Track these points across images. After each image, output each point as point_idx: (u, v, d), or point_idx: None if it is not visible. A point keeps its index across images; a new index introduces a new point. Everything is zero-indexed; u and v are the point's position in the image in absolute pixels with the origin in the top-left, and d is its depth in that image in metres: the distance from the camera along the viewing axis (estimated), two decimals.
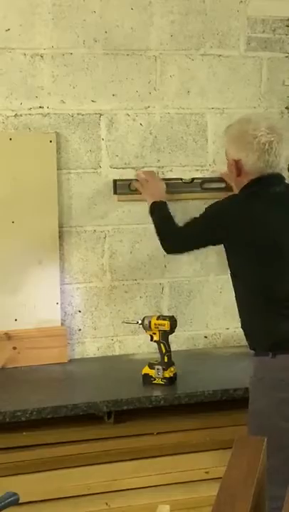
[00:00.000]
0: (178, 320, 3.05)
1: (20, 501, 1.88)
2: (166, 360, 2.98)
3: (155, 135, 3.37)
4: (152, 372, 2.97)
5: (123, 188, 3.31)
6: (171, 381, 2.97)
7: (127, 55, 3.29)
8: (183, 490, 2.93)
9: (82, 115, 3.27)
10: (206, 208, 2.75)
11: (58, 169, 3.23)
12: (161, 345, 2.99)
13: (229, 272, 2.73)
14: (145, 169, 3.33)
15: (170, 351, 3.00)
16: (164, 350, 2.98)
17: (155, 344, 3.02)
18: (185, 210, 3.43)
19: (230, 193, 2.87)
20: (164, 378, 2.96)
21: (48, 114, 3.22)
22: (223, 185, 3.26)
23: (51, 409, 2.74)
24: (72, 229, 3.30)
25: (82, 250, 3.33)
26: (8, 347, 3.19)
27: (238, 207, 2.65)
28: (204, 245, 2.86)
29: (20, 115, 3.19)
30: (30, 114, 3.20)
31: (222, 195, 3.18)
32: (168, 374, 2.96)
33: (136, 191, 3.27)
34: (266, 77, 3.48)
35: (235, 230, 2.61)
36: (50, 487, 2.79)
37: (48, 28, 3.18)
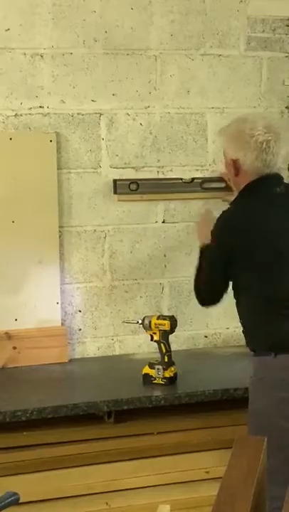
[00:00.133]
0: (178, 320, 3.05)
1: (20, 501, 1.88)
2: (166, 359, 2.98)
3: (155, 135, 3.37)
4: (152, 372, 2.97)
5: (123, 187, 3.31)
6: (172, 381, 2.97)
7: (127, 54, 3.29)
8: (183, 490, 2.93)
9: (83, 115, 3.27)
10: (211, 232, 2.71)
11: (58, 169, 3.23)
12: (162, 344, 2.99)
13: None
14: (145, 169, 3.34)
15: (170, 351, 3.00)
16: (164, 350, 2.98)
17: (155, 344, 3.02)
18: (185, 210, 3.44)
19: (229, 193, 2.86)
20: (165, 378, 2.95)
21: (48, 113, 3.22)
22: (223, 184, 3.25)
23: (51, 409, 2.74)
24: (73, 229, 3.30)
25: (83, 250, 3.33)
26: (8, 347, 3.19)
27: (239, 212, 2.64)
28: (226, 269, 2.65)
29: (21, 115, 3.19)
30: (30, 114, 3.20)
31: (222, 195, 3.20)
32: (168, 374, 2.96)
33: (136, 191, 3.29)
34: (266, 77, 3.48)
35: (242, 234, 2.60)
36: (50, 487, 2.79)
37: (48, 27, 3.18)
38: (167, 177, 3.39)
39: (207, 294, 2.74)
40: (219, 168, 3.30)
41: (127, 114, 3.32)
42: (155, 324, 2.99)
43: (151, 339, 3.02)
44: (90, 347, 3.39)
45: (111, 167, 3.32)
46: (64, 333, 3.29)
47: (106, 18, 3.24)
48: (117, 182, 3.31)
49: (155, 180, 3.38)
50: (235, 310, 2.73)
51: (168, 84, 3.36)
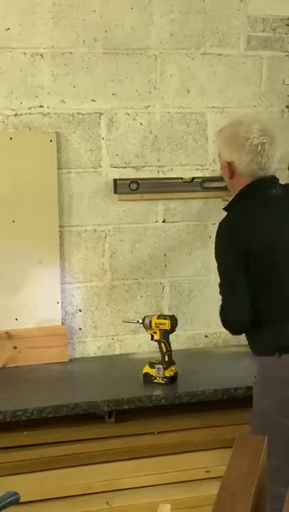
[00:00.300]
0: (178, 319, 3.04)
1: (20, 501, 1.88)
2: (166, 359, 2.98)
3: (155, 134, 3.37)
4: (153, 372, 2.97)
5: (123, 187, 3.31)
6: (172, 380, 2.97)
7: (127, 54, 3.29)
8: (183, 489, 2.93)
9: (83, 114, 3.27)
10: (215, 245, 2.67)
11: (58, 168, 3.23)
12: (162, 344, 2.99)
13: None
14: (145, 168, 3.34)
15: (171, 350, 3.00)
16: (164, 350, 2.98)
17: (156, 343, 3.02)
18: (185, 210, 3.44)
19: (230, 193, 2.85)
20: (165, 377, 2.96)
21: (48, 113, 3.22)
22: (223, 184, 3.24)
23: (52, 409, 2.74)
24: (73, 228, 3.30)
25: (83, 250, 3.33)
26: (8, 346, 3.19)
27: (237, 216, 2.63)
28: (243, 275, 2.56)
29: (21, 114, 3.19)
30: (30, 114, 3.20)
31: (222, 194, 3.20)
32: (168, 373, 2.96)
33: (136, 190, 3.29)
34: (266, 76, 3.48)
35: (243, 236, 2.59)
36: (50, 486, 2.79)
37: (48, 27, 3.18)
38: (167, 176, 3.39)
39: (233, 313, 2.60)
40: (219, 168, 3.30)
41: (127, 113, 3.32)
42: (155, 324, 2.99)
43: (152, 338, 3.02)
44: (91, 346, 3.39)
45: (111, 167, 3.32)
46: (64, 333, 3.29)
47: (106, 17, 3.24)
48: (118, 181, 3.31)
49: (155, 180, 3.38)
50: None
51: (168, 83, 3.36)
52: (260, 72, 3.47)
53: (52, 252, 3.24)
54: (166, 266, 3.45)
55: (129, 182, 3.32)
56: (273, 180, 2.66)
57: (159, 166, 3.39)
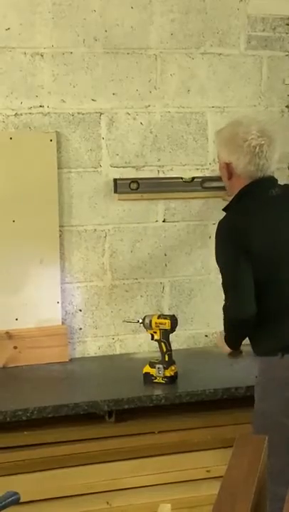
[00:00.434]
0: (178, 319, 3.05)
1: (21, 500, 1.88)
2: (166, 359, 2.98)
3: (155, 134, 3.37)
4: (153, 371, 2.97)
5: (123, 187, 3.31)
6: (172, 380, 2.97)
7: (127, 53, 3.29)
8: (184, 489, 2.93)
9: (83, 114, 3.27)
10: (215, 246, 2.66)
11: (58, 168, 3.23)
12: (162, 344, 2.99)
13: None
14: (145, 168, 3.34)
15: (171, 350, 3.00)
16: (164, 349, 2.98)
17: (156, 343, 3.02)
18: (186, 209, 3.44)
19: (227, 193, 2.85)
20: (165, 377, 2.96)
21: (49, 113, 3.22)
22: (223, 184, 3.25)
23: (52, 409, 2.74)
24: (73, 228, 3.30)
25: (83, 249, 3.33)
26: (9, 346, 3.19)
27: (237, 215, 2.63)
28: (248, 272, 2.53)
29: (21, 114, 3.19)
30: (30, 113, 3.20)
31: (222, 194, 3.19)
32: (169, 373, 2.96)
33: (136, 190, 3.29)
34: (266, 76, 3.48)
35: (243, 235, 2.58)
36: (50, 486, 2.79)
37: (48, 27, 3.18)
38: (168, 176, 3.39)
39: (240, 306, 2.56)
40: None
41: (128, 113, 3.32)
42: (156, 323, 2.99)
43: (152, 338, 3.02)
44: (91, 346, 3.39)
45: (111, 166, 3.32)
46: (64, 333, 3.29)
47: (106, 17, 3.24)
48: (118, 181, 3.31)
49: (155, 180, 3.38)
50: None
51: (168, 83, 3.36)
52: (260, 72, 3.47)
53: (52, 251, 3.24)
54: (166, 266, 3.45)
55: (129, 182, 3.32)
56: (272, 180, 2.66)
57: (159, 166, 3.39)
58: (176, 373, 2.99)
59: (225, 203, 2.76)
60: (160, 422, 2.90)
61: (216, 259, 2.64)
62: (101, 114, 3.29)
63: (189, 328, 3.49)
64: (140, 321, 3.03)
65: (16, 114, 3.19)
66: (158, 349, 3.01)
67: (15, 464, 2.75)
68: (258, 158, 2.58)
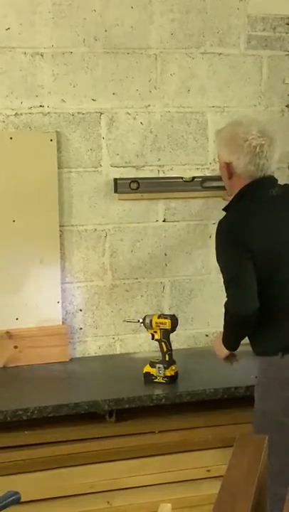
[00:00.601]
0: (179, 318, 3.05)
1: (21, 500, 1.88)
2: (167, 358, 2.98)
3: (156, 134, 3.37)
4: (153, 371, 2.98)
5: (124, 186, 3.32)
6: (173, 379, 2.97)
7: (128, 53, 3.29)
8: (184, 488, 2.93)
9: (83, 114, 3.27)
10: (215, 246, 2.66)
11: (58, 168, 3.23)
12: (163, 343, 2.99)
13: None
14: (145, 168, 3.34)
15: (171, 350, 3.00)
16: (165, 349, 2.98)
17: (156, 343, 3.02)
18: (186, 209, 3.44)
19: (227, 193, 2.85)
20: (165, 377, 2.96)
21: (49, 113, 3.22)
22: (223, 183, 3.25)
23: (53, 408, 2.74)
24: (73, 228, 3.31)
25: (83, 249, 3.33)
26: (9, 346, 3.20)
27: (237, 214, 2.63)
28: (250, 267, 2.52)
29: (21, 114, 3.19)
30: (30, 113, 3.20)
31: (223, 194, 3.19)
32: (169, 372, 2.96)
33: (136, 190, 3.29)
34: (266, 76, 3.48)
35: (243, 234, 2.58)
36: (51, 486, 2.79)
37: (48, 26, 3.18)
38: (168, 176, 3.39)
39: (243, 301, 2.54)
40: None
41: (128, 113, 3.32)
42: (156, 323, 2.99)
43: (152, 338, 3.02)
44: (91, 346, 3.39)
45: (111, 166, 3.32)
46: (65, 332, 3.29)
47: (106, 17, 3.24)
48: (118, 181, 3.31)
49: (156, 179, 3.38)
50: None
51: (168, 83, 3.36)
52: (261, 72, 3.47)
53: (52, 251, 3.24)
54: (166, 265, 3.45)
55: (129, 181, 3.32)
56: (272, 180, 2.66)
57: (160, 166, 3.39)
58: (176, 373, 2.99)
59: (225, 203, 2.76)
60: (160, 422, 2.90)
61: (217, 258, 2.64)
62: (101, 113, 3.29)
63: (190, 328, 3.49)
64: (140, 320, 3.03)
65: (16, 114, 3.19)
66: (158, 349, 3.01)
67: (15, 464, 2.75)
68: (258, 158, 2.58)
